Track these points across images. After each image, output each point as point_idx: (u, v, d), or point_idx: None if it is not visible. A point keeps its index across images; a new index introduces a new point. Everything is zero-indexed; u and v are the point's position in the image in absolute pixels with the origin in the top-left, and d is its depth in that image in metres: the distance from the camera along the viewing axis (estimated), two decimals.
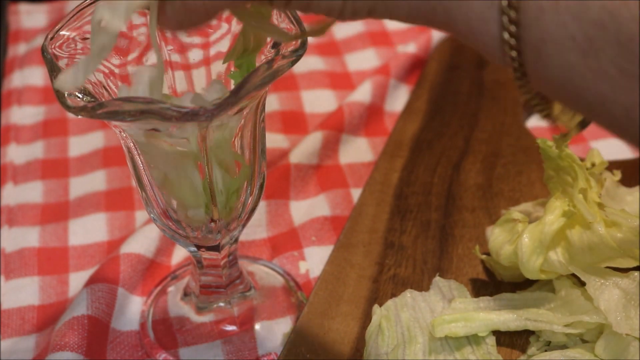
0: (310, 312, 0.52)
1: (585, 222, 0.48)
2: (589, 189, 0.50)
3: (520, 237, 0.49)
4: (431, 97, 0.69)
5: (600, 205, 0.49)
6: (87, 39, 0.43)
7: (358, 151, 0.67)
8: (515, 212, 0.53)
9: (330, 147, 0.67)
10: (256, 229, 0.61)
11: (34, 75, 0.77)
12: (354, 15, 0.35)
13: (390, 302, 0.52)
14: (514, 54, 0.31)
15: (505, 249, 0.51)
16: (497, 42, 0.31)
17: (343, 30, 0.82)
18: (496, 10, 0.31)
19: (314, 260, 0.58)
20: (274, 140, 0.68)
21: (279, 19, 0.44)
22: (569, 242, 0.49)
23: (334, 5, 0.35)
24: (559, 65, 0.29)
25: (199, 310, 0.54)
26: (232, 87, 0.42)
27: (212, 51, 0.48)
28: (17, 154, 0.70)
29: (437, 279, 0.53)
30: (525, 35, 0.30)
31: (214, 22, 0.44)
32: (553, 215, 0.49)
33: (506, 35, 0.30)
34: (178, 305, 0.56)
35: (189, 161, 0.43)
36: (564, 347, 0.48)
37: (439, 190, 0.61)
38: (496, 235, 0.52)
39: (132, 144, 0.44)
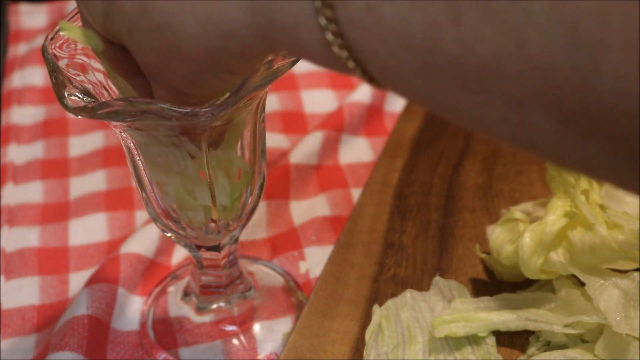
0: (310, 312, 0.52)
1: (587, 223, 0.48)
2: (591, 190, 0.50)
3: (522, 236, 0.49)
4: None
5: (602, 207, 0.49)
6: None
7: (358, 151, 0.67)
8: (517, 212, 0.53)
9: (330, 147, 0.67)
10: (256, 229, 0.61)
11: (34, 75, 0.77)
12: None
13: (390, 302, 0.52)
14: (360, 74, 0.30)
15: (506, 248, 0.51)
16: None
17: None
18: (322, 42, 0.30)
19: (314, 260, 0.58)
20: (274, 140, 0.68)
21: None
22: (570, 243, 0.49)
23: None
24: (406, 87, 0.29)
25: (199, 310, 0.54)
26: None
27: None
28: (17, 154, 0.70)
29: (437, 279, 0.53)
30: (367, 67, 0.29)
31: None
32: (554, 216, 0.49)
33: (350, 65, 0.30)
34: (178, 305, 0.56)
35: (189, 163, 0.43)
36: (564, 347, 0.48)
37: (439, 190, 0.61)
38: (497, 235, 0.52)
39: (132, 144, 0.44)
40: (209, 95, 0.38)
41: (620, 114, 0.24)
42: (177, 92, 0.36)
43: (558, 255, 0.49)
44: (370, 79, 0.30)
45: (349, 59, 0.29)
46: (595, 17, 0.23)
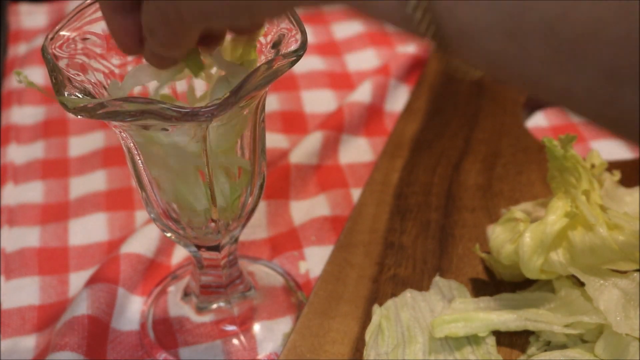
0: (310, 312, 0.52)
1: (588, 224, 0.48)
2: (592, 191, 0.50)
3: (522, 236, 0.49)
4: (431, 97, 0.69)
5: (603, 207, 0.49)
6: (87, 39, 0.43)
7: (358, 151, 0.67)
8: (517, 212, 0.53)
9: (330, 147, 0.67)
10: (256, 229, 0.61)
11: (35, 75, 0.77)
12: None
13: (390, 302, 0.52)
14: (432, 33, 0.28)
15: (506, 248, 0.51)
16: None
17: (343, 30, 0.82)
18: None
19: (314, 260, 0.58)
20: (274, 140, 0.68)
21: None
22: (570, 243, 0.49)
23: None
24: (485, 50, 0.27)
25: (199, 310, 0.54)
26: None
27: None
28: (18, 154, 0.70)
29: (437, 278, 0.53)
30: (443, 26, 0.28)
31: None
32: (555, 216, 0.49)
33: (427, 19, 0.28)
34: (178, 305, 0.56)
35: (189, 165, 0.43)
36: (563, 347, 0.48)
37: (439, 190, 0.61)
38: (497, 234, 0.52)
39: (132, 144, 0.44)
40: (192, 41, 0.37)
41: None
42: (168, 31, 0.35)
43: (558, 256, 0.49)
44: (442, 41, 0.28)
45: (426, 16, 0.28)
46: None
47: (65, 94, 0.40)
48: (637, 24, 0.23)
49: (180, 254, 0.60)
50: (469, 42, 0.27)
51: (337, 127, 0.67)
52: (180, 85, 0.48)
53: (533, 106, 0.69)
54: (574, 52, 0.25)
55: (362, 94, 0.70)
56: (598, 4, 0.24)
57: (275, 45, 0.44)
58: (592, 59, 0.25)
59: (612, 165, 0.56)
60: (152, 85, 0.47)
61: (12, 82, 0.77)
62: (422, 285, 0.54)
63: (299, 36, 0.42)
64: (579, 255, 0.48)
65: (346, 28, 0.82)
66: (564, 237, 0.49)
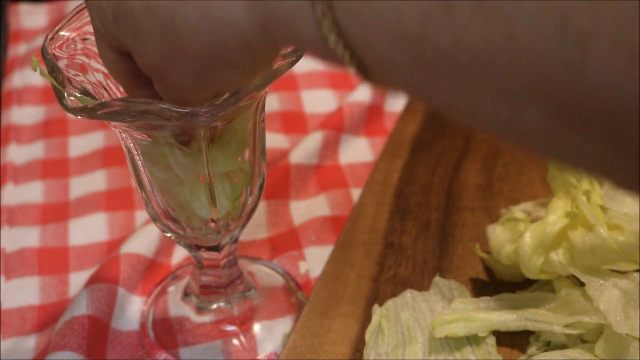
0: (310, 312, 0.52)
1: (588, 224, 0.48)
2: (592, 191, 0.50)
3: (522, 236, 0.49)
4: None
5: (603, 208, 0.49)
6: (87, 39, 0.43)
7: (358, 151, 0.67)
8: (518, 212, 0.53)
9: (330, 147, 0.67)
10: (256, 229, 0.61)
11: (34, 76, 0.77)
12: None
13: (390, 302, 0.52)
14: (355, 68, 0.30)
15: (506, 248, 0.51)
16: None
17: None
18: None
19: (314, 260, 0.58)
20: (274, 140, 0.68)
21: None
22: (570, 243, 0.49)
23: None
24: (398, 78, 0.29)
25: (199, 310, 0.54)
26: None
27: None
28: (18, 154, 0.70)
29: (437, 278, 0.53)
30: (362, 59, 0.29)
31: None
32: (555, 216, 0.49)
33: (346, 58, 0.30)
34: (178, 305, 0.56)
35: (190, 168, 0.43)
36: (564, 347, 0.48)
37: (439, 190, 0.61)
38: (497, 234, 0.52)
39: (132, 145, 0.44)
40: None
41: (608, 105, 0.24)
42: (179, 99, 0.37)
43: (558, 256, 0.49)
44: (366, 73, 0.30)
45: (345, 51, 0.29)
46: (584, 8, 0.23)
47: (65, 94, 0.40)
48: (526, 48, 0.25)
49: (180, 254, 0.60)
50: (386, 73, 0.29)
51: (337, 127, 0.67)
52: None
53: None
54: (472, 76, 0.26)
55: (362, 93, 0.70)
56: (488, 29, 0.25)
57: None
58: (489, 82, 0.26)
59: None
60: None
61: (12, 82, 0.77)
62: (422, 285, 0.54)
63: None
64: (579, 255, 0.48)
65: None
66: (564, 237, 0.49)
